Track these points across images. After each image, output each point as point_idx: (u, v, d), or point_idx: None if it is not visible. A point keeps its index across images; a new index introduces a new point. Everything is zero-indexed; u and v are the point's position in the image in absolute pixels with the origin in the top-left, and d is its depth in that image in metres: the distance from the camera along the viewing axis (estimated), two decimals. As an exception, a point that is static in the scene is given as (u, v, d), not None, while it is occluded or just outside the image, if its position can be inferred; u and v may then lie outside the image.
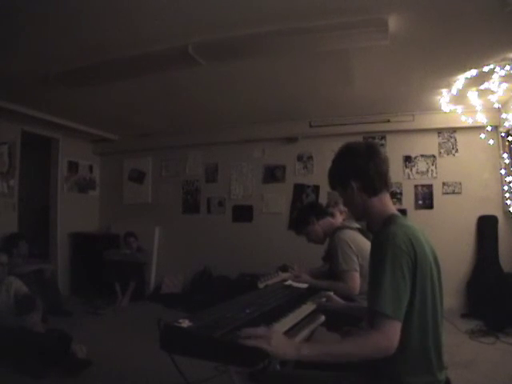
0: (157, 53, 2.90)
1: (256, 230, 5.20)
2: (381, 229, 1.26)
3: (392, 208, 1.34)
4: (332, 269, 2.40)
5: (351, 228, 2.40)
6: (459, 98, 3.84)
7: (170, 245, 5.66)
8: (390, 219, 1.27)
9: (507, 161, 4.12)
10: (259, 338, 1.09)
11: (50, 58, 3.07)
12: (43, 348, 2.69)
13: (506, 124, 3.91)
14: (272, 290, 2.03)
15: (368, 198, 1.32)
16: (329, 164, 1.44)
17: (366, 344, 1.10)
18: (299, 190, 5.10)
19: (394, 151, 4.67)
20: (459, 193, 4.52)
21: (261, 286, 2.33)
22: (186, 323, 1.25)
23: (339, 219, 2.91)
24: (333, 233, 2.41)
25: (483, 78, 3.32)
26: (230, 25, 2.59)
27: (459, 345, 3.13)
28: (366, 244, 2.31)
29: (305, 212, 2.61)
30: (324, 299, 1.76)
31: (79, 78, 3.34)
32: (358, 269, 2.17)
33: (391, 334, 1.08)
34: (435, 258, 1.27)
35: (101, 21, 2.52)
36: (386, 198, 1.34)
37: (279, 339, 1.11)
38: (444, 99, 3.96)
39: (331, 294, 1.80)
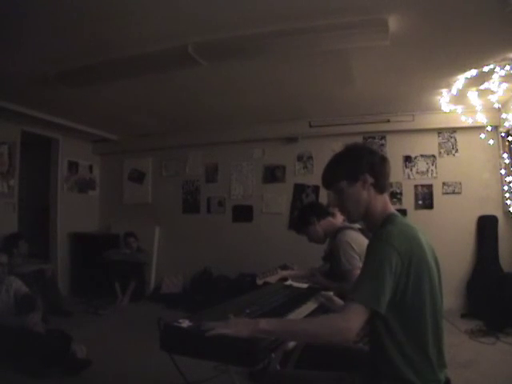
0: (157, 53, 2.89)
1: (256, 230, 5.20)
2: (380, 228, 1.27)
3: (391, 208, 1.36)
4: (332, 269, 2.40)
5: (353, 228, 2.40)
6: (459, 98, 3.84)
7: (169, 245, 5.66)
8: (389, 218, 1.28)
9: (507, 161, 4.12)
10: (218, 327, 1.14)
11: (50, 58, 3.06)
12: (43, 348, 2.69)
13: (506, 124, 3.91)
14: (272, 289, 2.02)
15: (375, 195, 1.32)
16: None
17: (324, 323, 1.12)
18: (299, 189, 5.10)
19: (394, 151, 4.67)
20: (459, 193, 4.52)
21: (259, 282, 2.32)
22: (185, 323, 1.24)
23: (339, 219, 2.90)
24: (334, 233, 2.40)
25: (483, 77, 3.32)
26: (230, 25, 2.59)
27: (459, 345, 3.13)
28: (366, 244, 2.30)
29: (306, 212, 2.59)
30: (323, 299, 1.76)
31: (79, 78, 3.34)
32: (361, 266, 2.17)
33: (352, 318, 1.09)
34: (435, 258, 1.27)
35: (101, 21, 2.52)
36: (387, 198, 1.37)
37: (238, 320, 1.16)
38: (444, 99, 3.96)
39: (331, 294, 1.80)
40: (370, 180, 1.30)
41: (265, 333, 1.12)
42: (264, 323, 1.13)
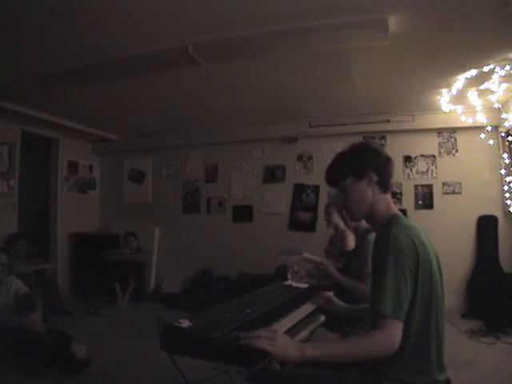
0: (157, 53, 2.90)
1: (256, 230, 5.20)
2: (383, 229, 1.26)
3: (394, 208, 1.35)
4: (348, 266, 2.38)
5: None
6: (459, 98, 3.84)
7: (170, 245, 5.66)
8: (392, 219, 1.28)
9: (507, 161, 4.12)
10: (263, 339, 1.07)
11: (50, 58, 3.06)
12: (43, 348, 2.69)
13: (506, 124, 3.91)
14: (272, 289, 2.02)
15: (379, 194, 1.32)
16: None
17: (371, 344, 1.10)
18: (299, 189, 5.10)
19: (394, 151, 4.64)
20: (459, 193, 4.52)
21: (281, 257, 2.33)
22: (186, 323, 1.24)
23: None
24: (364, 233, 2.39)
25: (483, 77, 3.32)
26: (230, 25, 2.59)
27: (459, 345, 3.13)
28: None
29: None
30: (321, 302, 1.75)
31: (79, 78, 3.34)
32: None
33: (394, 334, 1.09)
34: (437, 258, 1.27)
35: (101, 21, 2.52)
36: (390, 198, 1.37)
37: (283, 341, 1.10)
38: (444, 99, 3.96)
39: (331, 295, 1.80)
40: (375, 178, 1.31)
41: (312, 359, 1.10)
42: (311, 350, 1.09)
